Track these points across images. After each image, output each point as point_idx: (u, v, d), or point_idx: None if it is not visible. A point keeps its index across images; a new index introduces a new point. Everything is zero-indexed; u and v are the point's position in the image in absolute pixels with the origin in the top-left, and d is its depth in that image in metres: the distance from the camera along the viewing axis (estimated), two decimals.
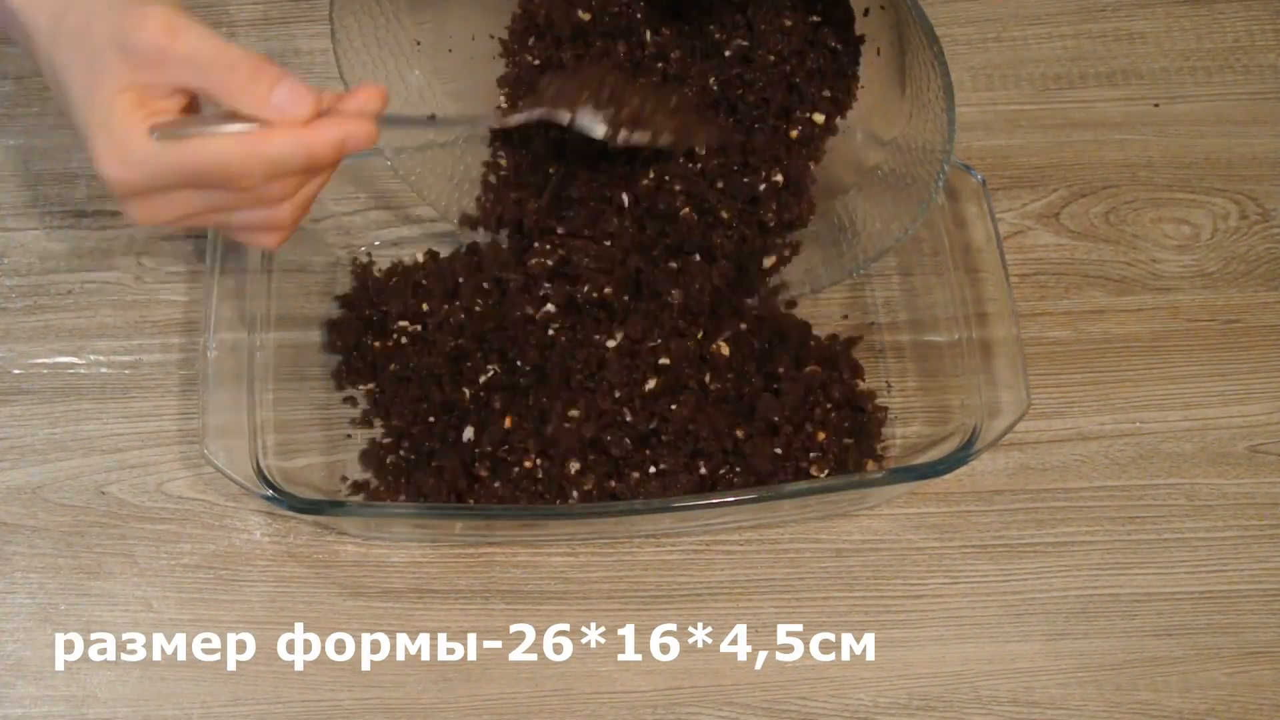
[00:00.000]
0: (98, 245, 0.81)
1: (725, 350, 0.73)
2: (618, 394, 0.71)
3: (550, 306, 0.73)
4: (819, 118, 0.73)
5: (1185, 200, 0.85)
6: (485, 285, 0.76)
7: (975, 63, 0.89)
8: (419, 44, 0.75)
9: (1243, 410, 0.78)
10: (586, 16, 0.74)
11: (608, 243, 0.73)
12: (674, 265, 0.73)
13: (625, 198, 0.74)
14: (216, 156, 0.57)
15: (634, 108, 0.68)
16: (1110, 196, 0.84)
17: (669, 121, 0.70)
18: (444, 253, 0.79)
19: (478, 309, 0.75)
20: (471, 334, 0.74)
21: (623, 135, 0.68)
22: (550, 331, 0.72)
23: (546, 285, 0.73)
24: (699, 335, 0.73)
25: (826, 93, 0.73)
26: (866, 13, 0.70)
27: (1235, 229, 0.84)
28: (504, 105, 0.77)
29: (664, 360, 0.71)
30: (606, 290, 0.72)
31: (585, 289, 0.72)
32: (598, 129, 0.68)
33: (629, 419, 0.71)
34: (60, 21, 0.59)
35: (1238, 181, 0.85)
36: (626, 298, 0.73)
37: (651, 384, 0.71)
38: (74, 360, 0.77)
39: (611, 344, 0.71)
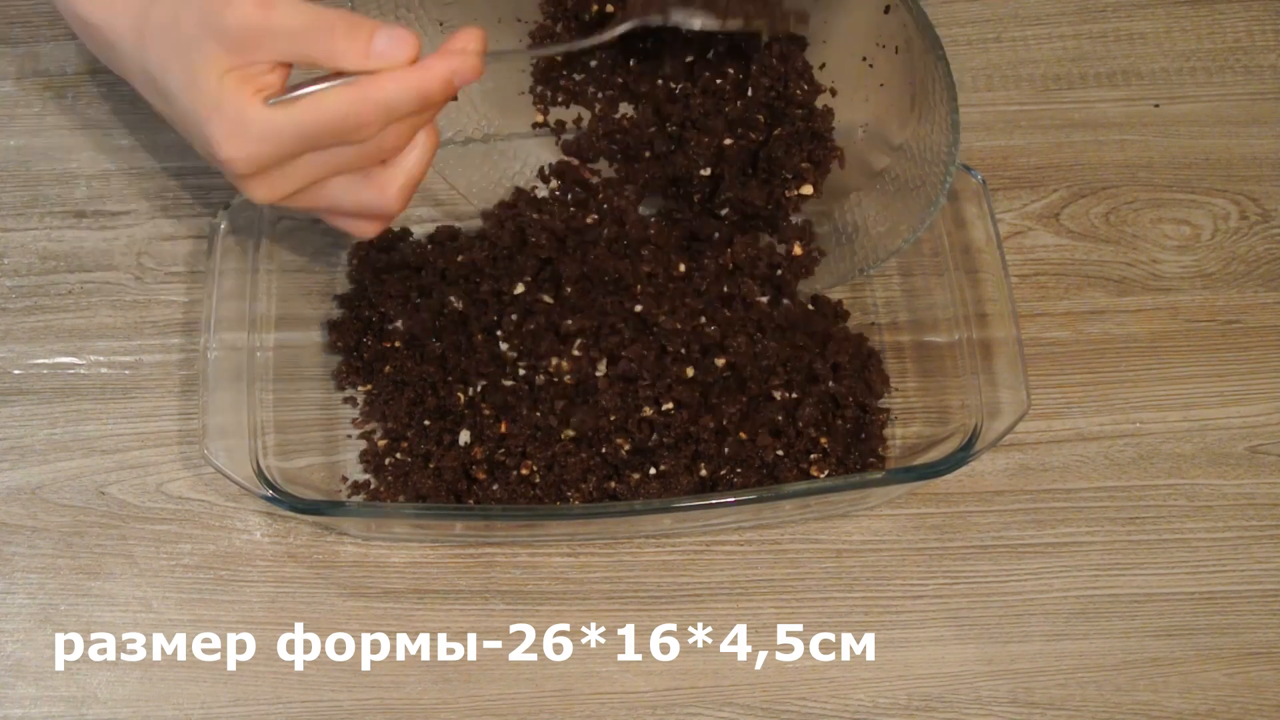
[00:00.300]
0: (98, 245, 0.81)
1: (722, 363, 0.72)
2: (613, 417, 0.70)
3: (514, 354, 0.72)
4: (807, 189, 0.74)
5: (1185, 201, 0.85)
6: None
7: (975, 63, 0.89)
8: (441, 24, 0.74)
9: (1243, 410, 0.78)
10: (611, 9, 0.74)
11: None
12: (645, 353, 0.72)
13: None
14: (334, 108, 0.57)
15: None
16: (1110, 197, 0.84)
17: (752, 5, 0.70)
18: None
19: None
20: (452, 346, 0.74)
21: (728, 22, 0.69)
22: (521, 372, 0.72)
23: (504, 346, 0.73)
24: (690, 373, 0.72)
25: (806, 163, 0.74)
26: (887, 10, 0.70)
27: (1235, 230, 0.84)
28: (532, 96, 0.77)
29: (667, 405, 0.71)
30: (567, 378, 0.71)
31: (552, 363, 0.72)
32: (695, 21, 0.68)
33: (625, 449, 0.71)
34: (144, 20, 0.59)
35: (1238, 182, 0.85)
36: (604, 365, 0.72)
37: (648, 412, 0.71)
38: (74, 360, 0.77)
39: (600, 373, 0.71)
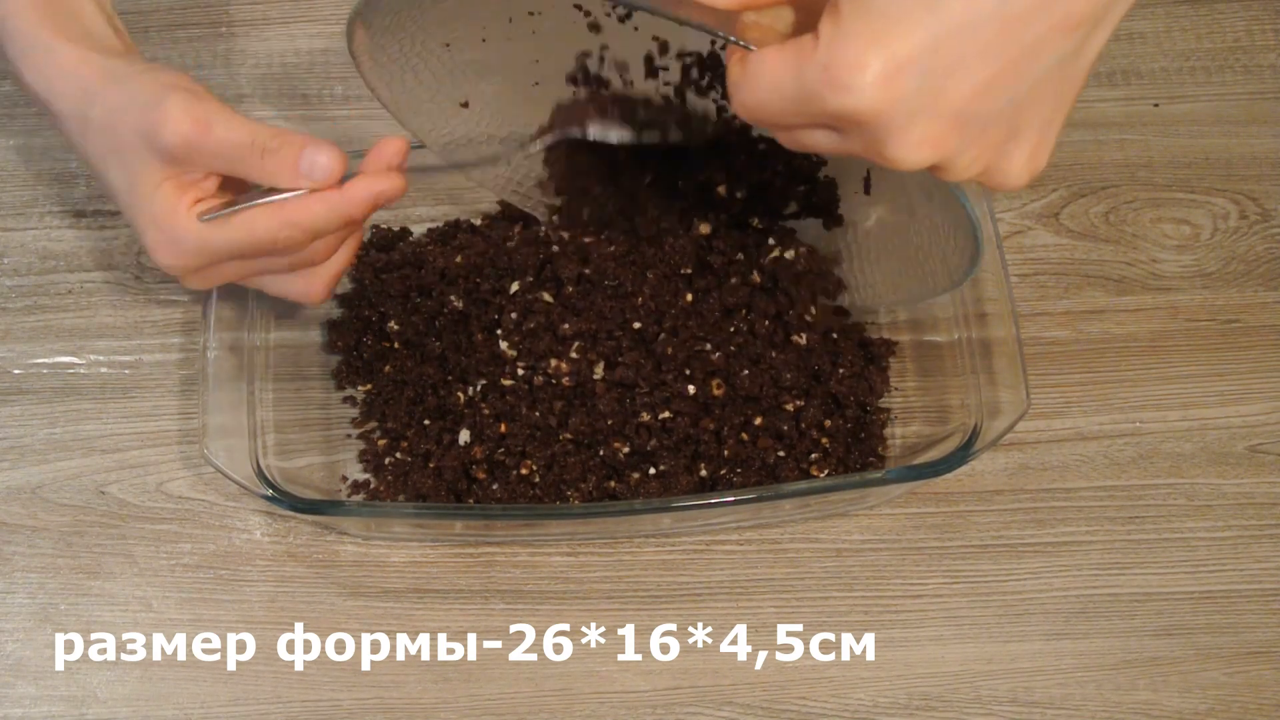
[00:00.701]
0: (98, 245, 0.81)
1: (719, 391, 0.71)
2: (610, 421, 0.70)
3: (514, 352, 0.72)
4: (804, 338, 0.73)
5: (1185, 200, 0.85)
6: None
7: None
8: None
9: (1242, 410, 0.78)
10: None
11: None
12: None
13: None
14: (261, 230, 0.61)
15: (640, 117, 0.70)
16: (1110, 196, 0.84)
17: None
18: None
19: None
20: (452, 345, 0.74)
21: (644, 136, 0.69)
22: (520, 372, 0.71)
23: (503, 343, 0.72)
24: (690, 390, 0.71)
25: (809, 293, 0.73)
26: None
27: (1235, 229, 0.84)
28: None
29: (665, 414, 0.70)
30: (565, 380, 0.70)
31: (551, 364, 0.71)
32: (610, 135, 0.69)
33: (625, 451, 0.70)
34: (85, 111, 0.62)
35: (1238, 181, 0.85)
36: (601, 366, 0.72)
37: (646, 418, 0.70)
38: (74, 360, 0.77)
39: (597, 376, 0.71)
